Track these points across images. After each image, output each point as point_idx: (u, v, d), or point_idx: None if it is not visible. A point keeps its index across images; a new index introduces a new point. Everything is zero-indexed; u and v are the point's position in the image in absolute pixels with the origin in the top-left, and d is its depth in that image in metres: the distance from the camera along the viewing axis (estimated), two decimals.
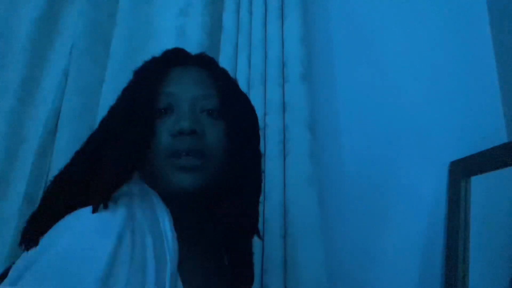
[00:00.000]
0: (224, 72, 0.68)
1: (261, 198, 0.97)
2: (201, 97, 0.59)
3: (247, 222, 0.63)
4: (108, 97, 1.01)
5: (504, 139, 1.10)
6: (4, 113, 1.00)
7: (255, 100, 1.02)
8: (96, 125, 0.98)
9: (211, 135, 0.58)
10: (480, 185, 1.02)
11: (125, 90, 0.63)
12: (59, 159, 1.00)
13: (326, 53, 1.19)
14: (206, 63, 0.66)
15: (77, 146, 1.00)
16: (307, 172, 0.98)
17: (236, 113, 0.62)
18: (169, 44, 1.12)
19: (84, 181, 0.56)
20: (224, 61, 1.03)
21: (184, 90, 0.59)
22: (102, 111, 1.01)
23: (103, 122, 0.62)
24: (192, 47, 1.10)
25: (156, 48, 0.99)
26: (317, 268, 0.92)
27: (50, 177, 0.97)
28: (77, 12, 1.08)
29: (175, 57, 0.65)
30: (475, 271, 0.97)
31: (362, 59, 1.19)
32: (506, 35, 1.17)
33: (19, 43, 1.04)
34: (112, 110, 0.62)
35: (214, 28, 1.09)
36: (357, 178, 1.10)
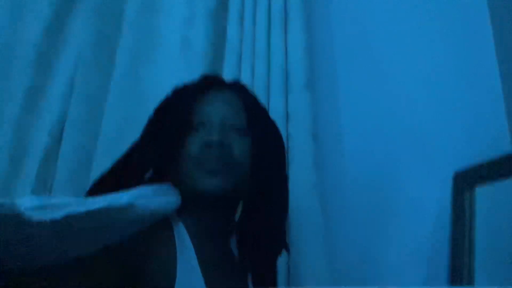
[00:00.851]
0: (254, 97, 0.75)
1: None
2: (230, 116, 0.67)
3: (272, 243, 0.71)
4: (113, 106, 1.02)
5: (509, 149, 1.09)
6: (10, 122, 1.02)
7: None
8: (101, 134, 1.01)
9: (237, 149, 0.65)
10: (484, 195, 1.01)
11: (165, 104, 0.70)
12: (64, 168, 1.00)
13: (329, 62, 1.19)
14: (238, 88, 0.74)
15: (81, 155, 1.02)
16: (310, 180, 0.98)
17: (262, 133, 0.69)
18: (174, 54, 1.14)
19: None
20: (228, 71, 1.04)
21: (215, 109, 0.67)
22: (106, 120, 1.02)
23: (144, 129, 0.71)
24: (197, 57, 1.12)
25: (161, 57, 1.01)
26: (320, 277, 0.91)
27: (55, 185, 0.99)
28: (83, 23, 1.10)
29: (211, 82, 0.73)
30: (481, 283, 0.96)
31: (365, 68, 1.19)
32: (510, 43, 1.16)
33: (25, 53, 1.06)
34: (151, 121, 0.70)
35: (218, 38, 1.10)
36: (360, 187, 1.10)
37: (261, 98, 1.03)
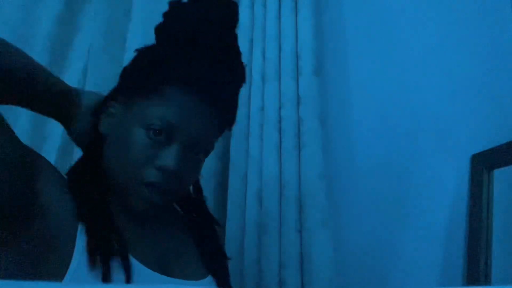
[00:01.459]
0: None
1: (276, 192, 0.98)
2: (197, 139, 0.58)
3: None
4: None
5: None
6: (27, 112, 1.03)
7: (270, 93, 1.02)
8: None
9: (188, 175, 0.60)
10: (503, 178, 0.99)
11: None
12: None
13: (339, 46, 1.18)
14: (215, 94, 0.60)
15: None
16: (319, 165, 0.97)
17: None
18: None
19: None
20: None
21: (185, 125, 0.57)
22: None
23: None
24: None
25: None
26: (327, 262, 0.92)
27: None
28: (94, 11, 1.10)
29: (186, 78, 0.59)
30: (498, 265, 0.95)
31: (377, 52, 1.17)
32: None
33: (39, 43, 1.07)
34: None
35: None
36: (373, 172, 1.09)
37: (272, 82, 1.03)
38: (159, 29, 0.64)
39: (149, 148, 0.56)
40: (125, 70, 0.64)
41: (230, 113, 0.65)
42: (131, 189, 0.57)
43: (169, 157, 0.56)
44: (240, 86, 0.66)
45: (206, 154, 0.62)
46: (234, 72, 0.64)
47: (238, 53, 0.65)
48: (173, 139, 0.57)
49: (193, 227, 0.70)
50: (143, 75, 0.60)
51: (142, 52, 0.62)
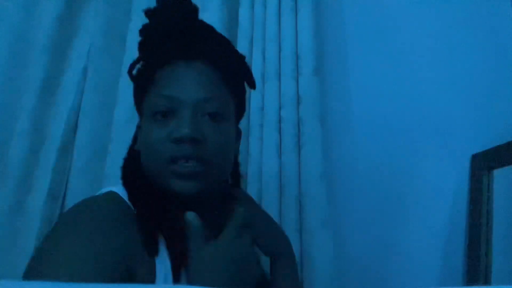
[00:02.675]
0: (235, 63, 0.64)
1: (276, 192, 0.98)
2: (203, 100, 0.57)
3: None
4: (124, 92, 1.04)
5: None
6: (27, 112, 1.04)
7: (270, 93, 1.02)
8: (114, 121, 1.02)
9: (212, 141, 0.57)
10: (502, 178, 0.99)
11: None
12: (80, 155, 1.03)
13: (339, 46, 1.18)
14: (212, 53, 0.61)
15: (96, 142, 1.04)
16: (319, 165, 0.98)
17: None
18: None
19: None
20: None
21: (186, 93, 0.57)
22: (119, 107, 1.04)
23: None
24: None
25: None
26: (327, 262, 0.92)
27: (72, 172, 1.02)
28: (94, 11, 1.10)
29: (171, 51, 0.60)
30: (498, 265, 0.95)
31: (377, 51, 1.17)
32: None
33: (39, 43, 1.07)
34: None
35: (231, 23, 1.10)
36: (373, 172, 1.09)
37: (272, 82, 1.03)
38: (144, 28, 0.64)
39: (161, 130, 0.56)
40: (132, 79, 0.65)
41: (234, 72, 0.62)
42: (163, 178, 0.56)
43: (180, 125, 0.55)
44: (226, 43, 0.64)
45: (226, 119, 0.59)
46: (213, 36, 0.63)
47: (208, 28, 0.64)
48: (180, 110, 0.56)
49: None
50: (141, 73, 0.62)
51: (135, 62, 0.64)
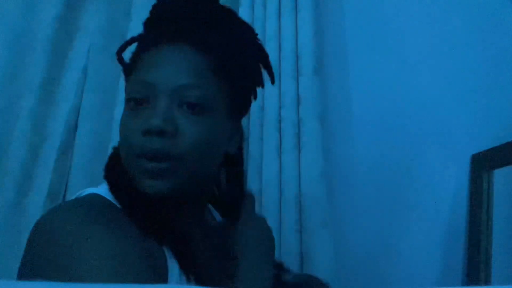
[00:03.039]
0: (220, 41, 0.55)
1: (276, 192, 0.98)
2: (182, 87, 0.51)
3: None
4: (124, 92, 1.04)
5: None
6: (26, 112, 1.04)
7: (270, 93, 1.02)
8: (114, 121, 1.02)
9: (188, 135, 0.50)
10: (503, 178, 0.99)
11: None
12: (80, 155, 1.03)
13: (339, 46, 1.18)
14: (204, 37, 0.54)
15: (97, 142, 1.04)
16: (319, 165, 0.98)
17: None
18: None
19: None
20: None
21: (163, 79, 0.51)
22: (119, 107, 1.04)
23: None
24: None
25: None
26: (327, 263, 0.92)
27: (72, 173, 1.02)
28: (94, 11, 1.10)
29: (158, 33, 0.55)
30: (498, 265, 0.95)
31: (377, 52, 1.17)
32: None
33: (39, 43, 1.07)
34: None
35: None
36: (373, 172, 1.09)
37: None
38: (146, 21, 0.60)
39: (133, 120, 0.51)
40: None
41: (228, 60, 0.55)
42: (133, 175, 0.51)
43: (151, 115, 0.49)
44: (236, 35, 0.58)
45: (210, 110, 0.52)
46: (219, 20, 0.57)
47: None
48: (155, 98, 0.50)
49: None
50: (129, 60, 0.58)
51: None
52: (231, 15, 0.59)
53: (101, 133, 1.04)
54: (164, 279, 0.49)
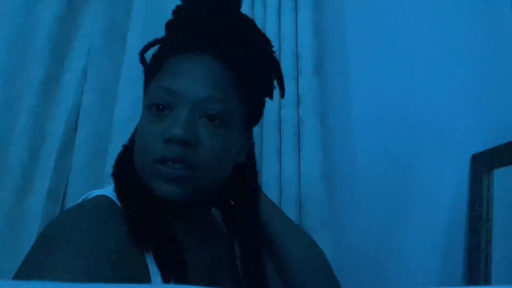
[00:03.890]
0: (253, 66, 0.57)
1: (276, 192, 0.98)
2: (205, 99, 0.52)
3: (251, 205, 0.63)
4: (124, 92, 1.04)
5: None
6: (26, 112, 1.04)
7: None
8: (114, 121, 1.02)
9: (207, 146, 0.52)
10: (503, 178, 0.99)
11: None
12: (80, 155, 1.03)
13: (339, 46, 1.18)
14: (228, 50, 0.55)
15: (96, 142, 1.04)
16: (319, 165, 0.98)
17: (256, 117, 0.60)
18: None
19: None
20: None
21: (186, 88, 0.52)
22: (119, 107, 1.04)
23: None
24: None
25: None
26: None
27: (72, 172, 1.02)
28: (94, 11, 1.11)
29: (183, 39, 0.56)
30: (498, 265, 0.95)
31: (377, 51, 1.17)
32: None
33: (39, 43, 1.07)
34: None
35: None
36: (373, 172, 1.09)
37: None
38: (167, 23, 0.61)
39: (154, 126, 0.52)
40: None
41: (251, 75, 0.56)
42: (148, 178, 0.52)
43: (173, 124, 0.51)
44: (259, 50, 0.59)
45: (229, 123, 0.54)
46: (242, 32, 0.58)
47: (247, 21, 0.60)
48: (178, 106, 0.52)
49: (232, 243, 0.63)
50: (151, 60, 0.58)
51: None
52: (251, 24, 0.61)
53: (101, 133, 1.04)
54: None
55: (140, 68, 0.62)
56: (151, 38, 0.62)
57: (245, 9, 1.09)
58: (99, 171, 1.02)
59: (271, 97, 0.64)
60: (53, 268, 0.41)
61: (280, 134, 1.01)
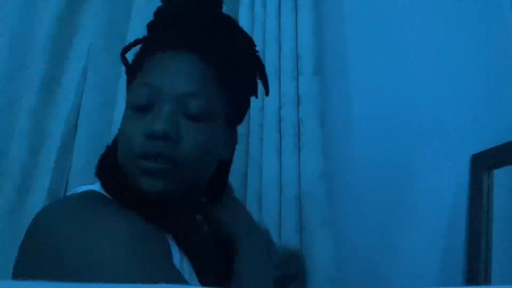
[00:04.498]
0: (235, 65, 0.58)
1: (276, 192, 0.98)
2: (186, 94, 0.53)
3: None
4: (124, 92, 1.03)
5: None
6: (27, 112, 1.04)
7: (270, 93, 1.02)
8: (114, 121, 1.02)
9: (189, 141, 0.52)
10: (503, 178, 0.99)
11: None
12: (80, 155, 1.03)
13: (339, 46, 1.18)
14: (209, 47, 0.56)
15: (97, 142, 1.04)
16: (319, 165, 0.98)
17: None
18: None
19: None
20: None
21: (169, 84, 0.53)
22: (119, 107, 1.04)
23: None
24: None
25: None
26: (327, 263, 0.92)
27: (72, 173, 1.02)
28: (94, 11, 1.11)
29: (163, 37, 0.57)
30: (498, 267, 0.95)
31: (377, 51, 1.17)
32: None
33: (40, 43, 1.07)
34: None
35: None
36: (373, 172, 1.09)
37: (273, 82, 1.03)
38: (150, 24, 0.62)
39: (137, 123, 0.53)
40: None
41: (232, 72, 0.57)
42: (131, 174, 0.53)
43: (155, 119, 0.51)
44: (241, 50, 0.60)
45: (211, 119, 0.54)
46: (223, 31, 0.59)
47: (226, 19, 0.60)
48: (160, 102, 0.52)
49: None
50: (134, 59, 0.60)
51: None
52: (233, 24, 0.61)
53: (101, 133, 1.04)
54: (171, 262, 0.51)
55: None
56: None
57: (245, 9, 1.09)
58: None
59: (256, 95, 0.65)
60: (97, 261, 0.44)
61: (280, 134, 1.01)
